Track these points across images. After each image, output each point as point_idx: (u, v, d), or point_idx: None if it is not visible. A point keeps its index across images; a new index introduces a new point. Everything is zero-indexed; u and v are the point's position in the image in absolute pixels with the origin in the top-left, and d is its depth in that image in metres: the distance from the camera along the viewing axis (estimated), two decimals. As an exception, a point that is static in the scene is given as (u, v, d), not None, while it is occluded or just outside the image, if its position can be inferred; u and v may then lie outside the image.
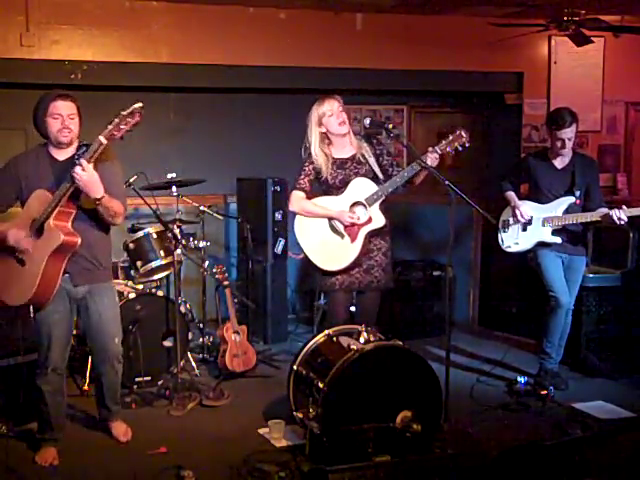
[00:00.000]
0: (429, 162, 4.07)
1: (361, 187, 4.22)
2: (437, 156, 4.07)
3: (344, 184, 4.24)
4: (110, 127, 3.40)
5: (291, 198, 4.33)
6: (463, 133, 4.11)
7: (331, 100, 4.23)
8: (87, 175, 3.45)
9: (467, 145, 4.12)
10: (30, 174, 3.64)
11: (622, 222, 4.48)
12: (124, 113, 3.38)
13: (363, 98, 7.08)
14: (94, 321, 3.82)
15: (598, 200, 4.76)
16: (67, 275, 3.66)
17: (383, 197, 4.18)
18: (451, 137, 4.11)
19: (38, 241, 3.55)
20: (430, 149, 4.09)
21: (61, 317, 3.73)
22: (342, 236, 4.22)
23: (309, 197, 4.33)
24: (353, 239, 4.21)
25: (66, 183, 3.49)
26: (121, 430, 4.09)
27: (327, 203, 4.27)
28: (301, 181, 4.30)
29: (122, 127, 3.39)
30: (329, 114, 4.21)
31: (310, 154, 4.29)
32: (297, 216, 4.32)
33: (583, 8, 5.33)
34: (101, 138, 3.43)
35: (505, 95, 6.95)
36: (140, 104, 3.39)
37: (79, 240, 3.56)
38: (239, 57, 6.03)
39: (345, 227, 4.21)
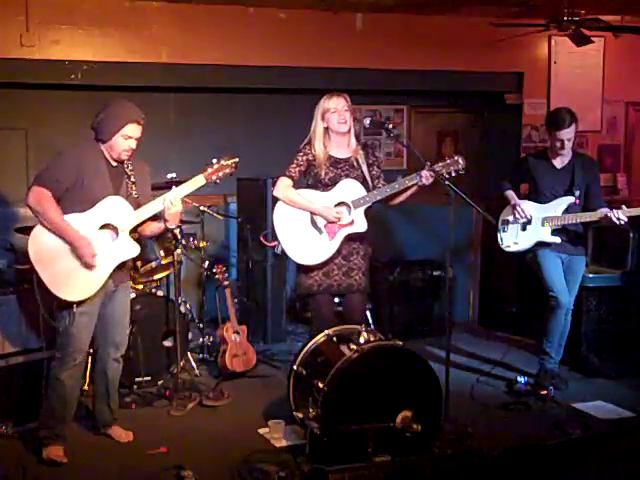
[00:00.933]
0: (423, 180, 4.08)
1: (349, 188, 4.22)
2: (432, 174, 4.06)
3: (332, 183, 4.25)
4: (210, 170, 3.82)
5: (278, 183, 4.32)
6: (460, 160, 4.10)
7: (338, 97, 4.26)
8: (175, 209, 3.73)
9: (462, 172, 4.11)
10: (88, 171, 3.67)
11: (622, 222, 4.49)
12: (224, 163, 3.86)
13: (363, 98, 7.07)
14: (115, 311, 3.91)
15: (599, 200, 4.77)
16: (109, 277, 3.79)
17: (369, 203, 4.19)
18: (448, 161, 4.11)
19: (110, 247, 3.69)
20: (427, 166, 4.08)
21: (96, 310, 3.80)
22: (320, 232, 4.21)
23: (296, 187, 4.32)
24: (331, 237, 4.21)
25: (158, 204, 3.72)
26: (121, 432, 4.09)
27: (313, 197, 4.26)
28: (291, 169, 4.30)
29: (219, 173, 3.85)
30: (332, 110, 4.23)
31: (306, 145, 4.31)
32: (278, 203, 4.30)
33: (583, 8, 5.32)
34: (202, 177, 3.80)
35: (505, 95, 6.95)
36: (237, 159, 3.91)
37: None
38: (239, 57, 6.03)
39: (326, 224, 4.21)
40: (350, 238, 4.25)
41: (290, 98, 6.79)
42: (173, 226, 3.85)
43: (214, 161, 3.85)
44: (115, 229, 3.70)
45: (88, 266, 3.64)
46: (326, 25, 6.23)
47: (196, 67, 5.97)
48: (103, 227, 3.69)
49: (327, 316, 4.34)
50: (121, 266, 3.80)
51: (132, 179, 3.79)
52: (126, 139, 3.68)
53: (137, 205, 3.77)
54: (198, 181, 3.81)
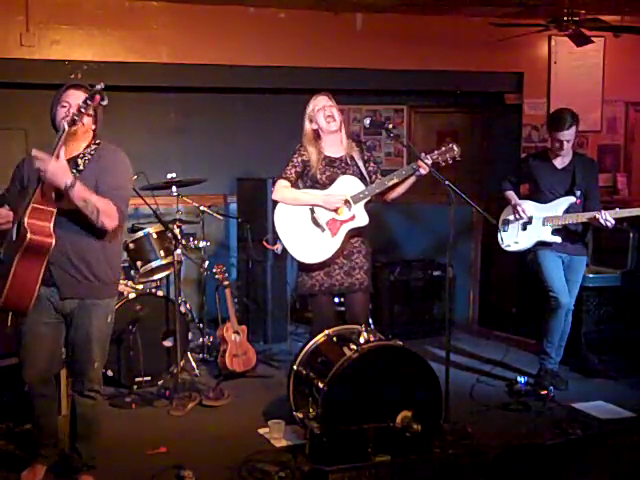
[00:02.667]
0: (420, 170, 4.10)
1: (348, 185, 4.23)
2: (428, 163, 4.08)
3: (330, 182, 4.25)
4: (73, 111, 3.21)
5: (275, 186, 4.34)
6: (455, 147, 4.13)
7: (320, 96, 4.29)
8: (52, 166, 3.10)
9: (458, 159, 4.14)
10: (31, 175, 3.31)
11: (609, 224, 4.48)
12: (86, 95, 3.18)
13: (363, 98, 7.08)
14: (76, 340, 3.38)
15: (595, 201, 4.77)
16: (54, 288, 3.30)
17: (368, 197, 4.20)
18: (443, 149, 4.14)
19: (15, 242, 3.23)
20: (422, 155, 4.11)
21: (48, 330, 3.36)
22: (323, 229, 4.22)
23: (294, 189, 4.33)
24: (334, 234, 4.21)
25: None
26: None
27: (312, 193, 4.29)
28: (287, 171, 4.31)
29: (82, 111, 3.16)
30: (317, 109, 4.25)
31: (301, 146, 4.33)
32: (278, 205, 4.31)
33: (583, 8, 5.33)
34: (64, 124, 3.18)
35: (505, 95, 6.95)
36: (102, 85, 3.15)
37: (52, 241, 3.18)
38: (239, 57, 6.03)
39: (327, 221, 4.21)
40: (351, 236, 4.26)
41: (290, 98, 6.78)
42: (69, 182, 3.11)
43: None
44: (17, 222, 3.27)
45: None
46: (326, 25, 6.23)
47: (196, 67, 5.97)
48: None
49: (328, 316, 4.34)
50: (62, 272, 3.28)
51: (80, 167, 3.30)
52: (64, 106, 3.30)
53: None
54: (63, 130, 3.17)
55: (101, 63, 5.72)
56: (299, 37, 6.16)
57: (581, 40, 5.63)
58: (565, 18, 5.30)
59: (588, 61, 6.80)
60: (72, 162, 3.28)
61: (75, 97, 3.30)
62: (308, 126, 4.30)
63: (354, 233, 4.26)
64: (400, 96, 7.24)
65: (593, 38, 5.75)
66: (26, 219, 3.14)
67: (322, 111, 4.24)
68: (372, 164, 4.37)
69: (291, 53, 6.14)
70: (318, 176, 4.26)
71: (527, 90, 6.81)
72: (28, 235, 3.12)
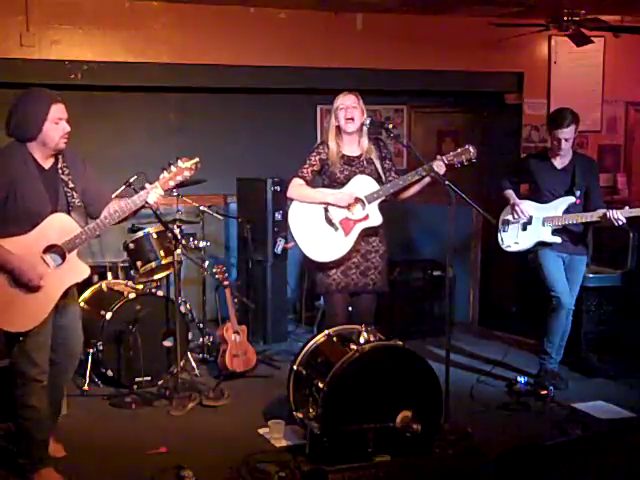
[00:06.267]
0: (437, 168, 4.12)
1: (362, 184, 4.24)
2: (442, 164, 4.12)
3: (347, 181, 4.27)
4: (167, 176, 3.51)
5: (290, 184, 4.35)
6: (471, 149, 4.17)
7: (348, 95, 4.33)
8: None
9: (474, 161, 4.18)
10: (20, 180, 3.28)
11: (620, 223, 4.48)
12: (183, 165, 3.56)
13: (363, 98, 7.06)
14: (70, 321, 3.55)
15: (597, 200, 4.77)
16: None
17: (383, 197, 4.21)
18: (459, 150, 4.18)
19: (57, 270, 3.34)
20: (438, 157, 4.15)
21: (51, 327, 3.46)
22: (336, 228, 4.23)
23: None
24: (347, 233, 4.23)
25: (121, 211, 3.39)
26: (54, 447, 3.74)
27: (325, 191, 4.30)
28: (304, 170, 4.33)
29: (177, 177, 3.55)
30: (341, 107, 4.28)
31: (320, 144, 4.35)
32: (293, 203, 4.33)
33: (583, 8, 5.33)
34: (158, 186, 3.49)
35: (505, 95, 6.95)
36: (197, 159, 3.65)
37: None
38: (239, 57, 6.02)
39: (341, 220, 4.22)
40: (368, 235, 4.28)
41: (290, 98, 6.79)
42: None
43: (172, 166, 3.52)
44: (61, 251, 3.33)
45: (34, 292, 3.28)
46: (326, 25, 6.22)
47: (196, 67, 5.96)
48: (48, 249, 3.33)
49: (340, 315, 4.35)
50: None
51: (70, 185, 3.39)
52: (57, 122, 3.32)
53: (83, 213, 3.41)
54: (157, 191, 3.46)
55: (101, 63, 5.72)
56: (299, 37, 6.15)
57: (581, 40, 5.63)
58: (565, 18, 5.31)
59: (588, 61, 6.80)
60: (54, 177, 3.38)
61: (64, 111, 3.39)
62: (333, 122, 4.33)
63: (371, 232, 4.28)
64: (400, 96, 7.24)
65: (593, 38, 5.76)
66: (75, 253, 3.39)
67: (343, 111, 4.26)
68: (388, 161, 4.39)
69: (291, 53, 6.14)
70: (337, 174, 4.28)
71: (527, 90, 6.81)
72: (88, 271, 3.46)
